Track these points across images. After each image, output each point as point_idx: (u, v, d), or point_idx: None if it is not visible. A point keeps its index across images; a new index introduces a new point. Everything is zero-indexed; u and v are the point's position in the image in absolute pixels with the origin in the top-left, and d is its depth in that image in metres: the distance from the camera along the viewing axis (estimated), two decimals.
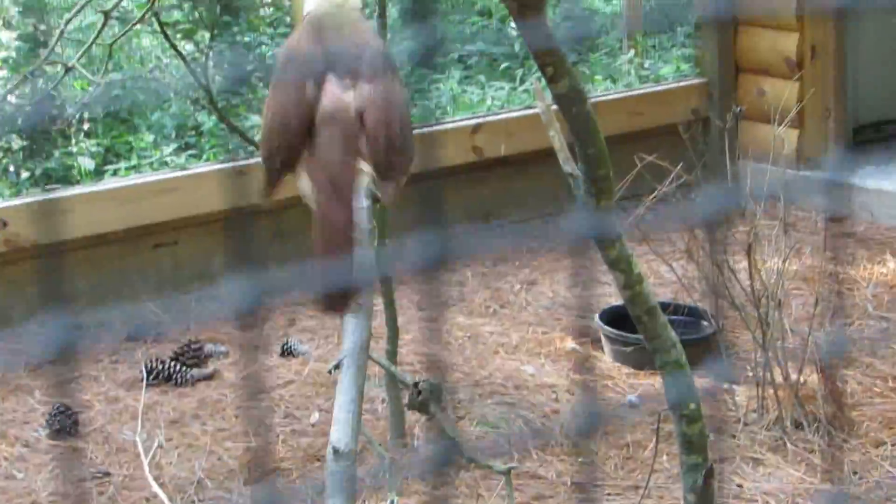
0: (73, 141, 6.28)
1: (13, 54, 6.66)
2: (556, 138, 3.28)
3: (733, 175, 4.51)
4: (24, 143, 6.21)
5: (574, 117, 3.05)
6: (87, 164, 5.77)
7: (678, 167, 4.20)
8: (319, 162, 2.56)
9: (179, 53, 3.90)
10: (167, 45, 6.02)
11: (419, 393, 2.33)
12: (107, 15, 3.22)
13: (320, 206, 2.54)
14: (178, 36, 6.91)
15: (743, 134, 6.18)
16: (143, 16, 3.31)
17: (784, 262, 4.25)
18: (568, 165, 3.27)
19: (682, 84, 6.38)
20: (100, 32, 3.25)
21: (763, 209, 4.40)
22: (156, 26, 6.40)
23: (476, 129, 5.89)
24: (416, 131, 5.82)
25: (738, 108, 4.50)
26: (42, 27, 6.60)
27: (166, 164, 5.90)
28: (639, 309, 3.28)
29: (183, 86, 6.21)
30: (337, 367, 2.40)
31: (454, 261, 5.65)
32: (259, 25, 7.00)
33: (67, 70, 3.39)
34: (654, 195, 4.18)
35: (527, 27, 2.90)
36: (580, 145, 3.12)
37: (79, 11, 3.48)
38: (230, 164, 5.44)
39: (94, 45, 6.18)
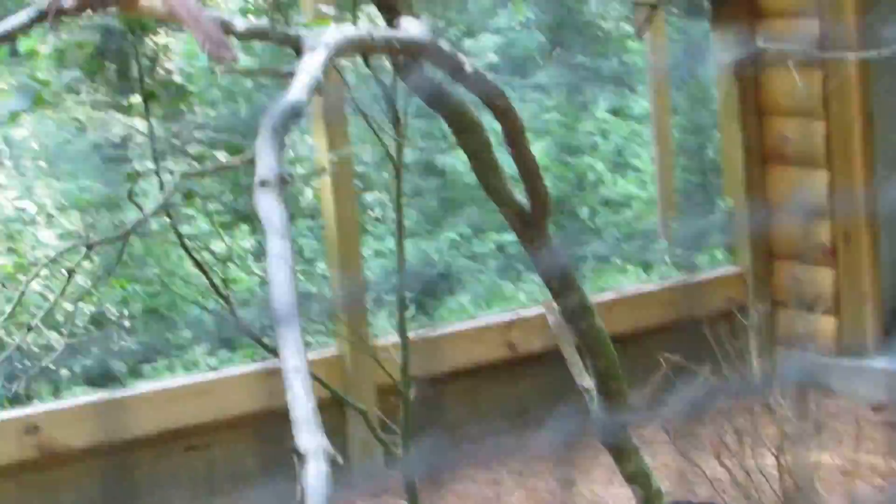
0: (114, 339, 6.32)
1: None
2: (568, 352, 3.25)
3: (765, 369, 4.46)
4: (66, 341, 6.24)
5: (583, 332, 3.03)
6: (121, 367, 5.79)
7: (705, 369, 4.15)
8: None
9: (199, 265, 3.92)
10: (202, 243, 6.11)
11: None
12: (70, 274, 3.25)
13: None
14: (220, 231, 6.98)
15: (780, 323, 6.14)
16: (124, 241, 3.32)
17: (816, 459, 4.17)
18: (582, 379, 3.24)
19: (716, 274, 6.34)
20: (60, 296, 3.25)
21: (794, 402, 4.32)
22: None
23: (510, 324, 5.87)
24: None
25: (765, 307, 4.47)
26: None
27: (197, 364, 5.91)
28: None
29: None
30: None
31: (489, 460, 5.58)
32: None
33: (29, 330, 3.44)
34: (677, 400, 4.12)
35: (530, 245, 2.89)
36: (591, 359, 3.10)
37: (45, 265, 3.51)
38: (261, 366, 5.44)
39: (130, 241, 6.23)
